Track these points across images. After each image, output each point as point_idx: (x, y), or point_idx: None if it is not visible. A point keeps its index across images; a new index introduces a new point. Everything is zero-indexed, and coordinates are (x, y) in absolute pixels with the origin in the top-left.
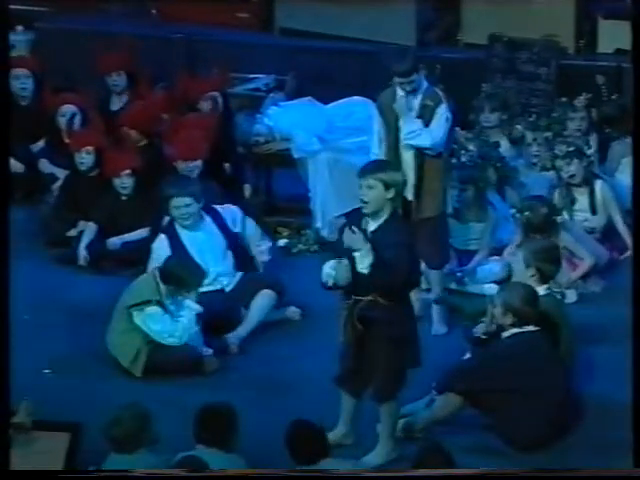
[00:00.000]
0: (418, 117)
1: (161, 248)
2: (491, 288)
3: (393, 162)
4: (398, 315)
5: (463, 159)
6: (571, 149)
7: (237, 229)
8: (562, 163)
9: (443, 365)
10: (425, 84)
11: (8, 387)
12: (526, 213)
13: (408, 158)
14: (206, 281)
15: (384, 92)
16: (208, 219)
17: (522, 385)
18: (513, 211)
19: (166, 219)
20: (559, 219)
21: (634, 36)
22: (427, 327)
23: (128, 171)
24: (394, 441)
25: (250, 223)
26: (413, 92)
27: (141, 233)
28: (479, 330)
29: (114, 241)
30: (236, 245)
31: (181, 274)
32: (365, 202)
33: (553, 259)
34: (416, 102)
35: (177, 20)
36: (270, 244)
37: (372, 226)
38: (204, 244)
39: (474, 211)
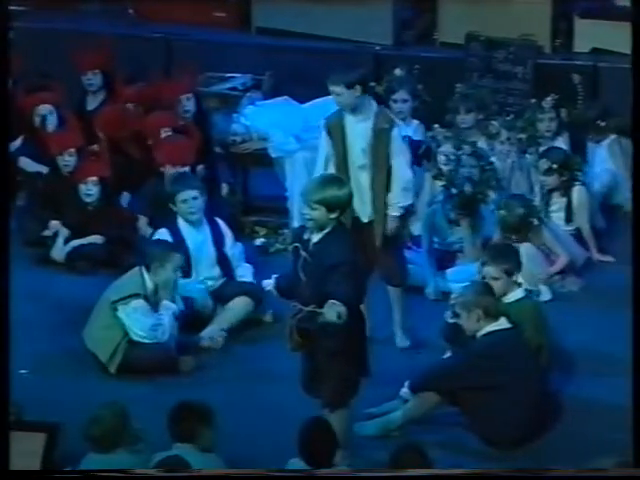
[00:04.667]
0: (372, 142)
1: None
2: None
3: (340, 178)
4: (340, 326)
5: (440, 158)
6: (554, 166)
7: (227, 248)
8: (542, 176)
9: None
10: (374, 107)
11: (8, 387)
12: (502, 212)
13: (363, 180)
14: (191, 282)
15: (331, 115)
16: (207, 228)
17: (498, 383)
18: (492, 208)
19: (167, 216)
20: (536, 221)
21: (634, 36)
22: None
23: (94, 178)
24: (345, 448)
25: (239, 247)
26: (356, 110)
27: (94, 239)
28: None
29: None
30: (224, 260)
31: (159, 252)
32: (307, 219)
33: (506, 256)
34: (368, 126)
35: (154, 19)
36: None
37: (315, 238)
38: (201, 247)
39: (460, 213)
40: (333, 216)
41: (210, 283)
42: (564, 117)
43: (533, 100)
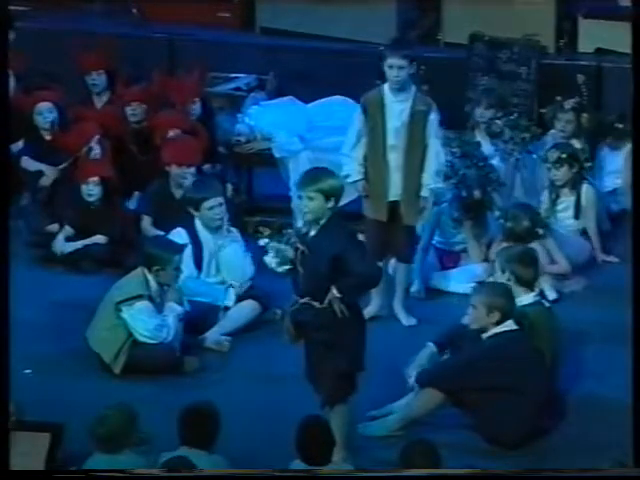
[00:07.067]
0: (409, 123)
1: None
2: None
3: (331, 170)
4: (334, 319)
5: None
6: (563, 155)
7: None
8: (551, 167)
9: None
10: (414, 89)
11: (8, 387)
12: (509, 224)
13: (392, 160)
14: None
15: (371, 92)
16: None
17: (504, 384)
18: (498, 215)
19: (171, 216)
20: (541, 231)
21: (634, 36)
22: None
23: (95, 178)
24: (346, 448)
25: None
26: (401, 89)
27: (97, 239)
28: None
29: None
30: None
31: (159, 254)
32: (305, 212)
33: (528, 263)
34: (406, 107)
35: (158, 19)
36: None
37: (313, 231)
38: (212, 251)
39: (463, 214)
40: (330, 205)
41: (219, 286)
42: (584, 122)
43: (558, 98)
